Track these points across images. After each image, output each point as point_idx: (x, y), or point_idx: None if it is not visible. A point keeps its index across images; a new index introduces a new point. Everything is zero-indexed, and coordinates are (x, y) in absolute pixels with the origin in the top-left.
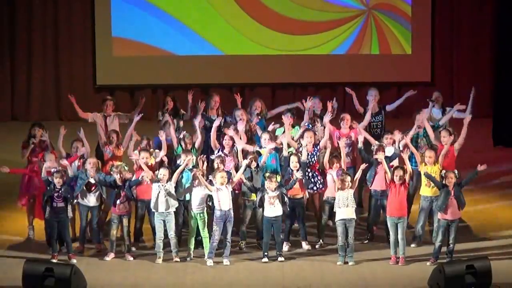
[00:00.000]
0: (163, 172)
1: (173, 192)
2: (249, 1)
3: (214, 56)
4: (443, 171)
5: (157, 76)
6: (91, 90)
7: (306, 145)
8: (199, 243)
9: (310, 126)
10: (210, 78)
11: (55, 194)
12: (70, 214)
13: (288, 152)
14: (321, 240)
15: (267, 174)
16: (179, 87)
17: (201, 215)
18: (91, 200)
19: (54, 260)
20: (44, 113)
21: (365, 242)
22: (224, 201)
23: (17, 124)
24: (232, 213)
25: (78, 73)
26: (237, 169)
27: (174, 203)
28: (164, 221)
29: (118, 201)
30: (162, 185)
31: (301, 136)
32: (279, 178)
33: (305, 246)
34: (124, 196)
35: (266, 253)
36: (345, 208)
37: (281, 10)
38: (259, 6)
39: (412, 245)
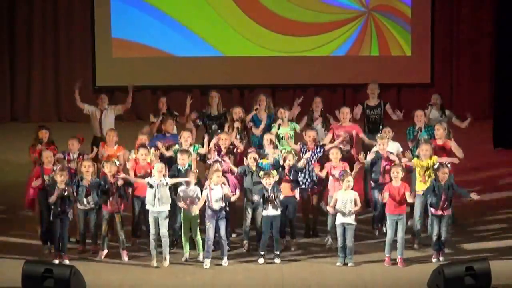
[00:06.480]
0: (159, 167)
1: (167, 189)
2: (249, 2)
3: (214, 57)
4: (436, 164)
5: (156, 77)
6: (90, 91)
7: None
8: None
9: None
10: (210, 80)
11: (63, 191)
12: (70, 216)
13: (283, 151)
14: (330, 239)
15: (261, 173)
16: (178, 89)
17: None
18: (87, 203)
19: (57, 261)
20: (43, 113)
21: (377, 234)
22: (216, 200)
23: (16, 125)
24: (224, 212)
25: (78, 74)
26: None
27: (168, 201)
28: (157, 218)
29: (110, 199)
30: (159, 181)
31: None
32: (275, 173)
33: (292, 245)
34: (116, 194)
35: (263, 253)
36: (344, 213)
37: (280, 12)
38: (259, 8)
39: (415, 246)
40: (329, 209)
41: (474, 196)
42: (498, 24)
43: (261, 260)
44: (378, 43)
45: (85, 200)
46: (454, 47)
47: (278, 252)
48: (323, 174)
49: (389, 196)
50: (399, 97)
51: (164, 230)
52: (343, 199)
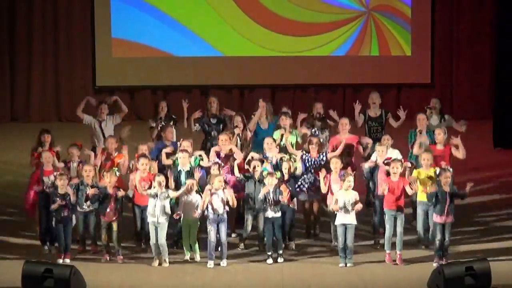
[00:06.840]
0: (159, 179)
1: (168, 201)
2: (249, 2)
3: (214, 57)
4: (437, 169)
5: (156, 77)
6: (90, 91)
7: (306, 153)
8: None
9: (317, 132)
10: (210, 80)
11: (62, 202)
12: (74, 221)
13: (282, 158)
14: (335, 242)
15: (264, 173)
16: (178, 89)
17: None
18: (87, 206)
19: (61, 261)
20: (43, 113)
21: (378, 247)
22: (218, 205)
23: (16, 125)
24: (226, 216)
25: (78, 74)
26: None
27: (168, 212)
28: (157, 228)
29: (108, 209)
30: (160, 193)
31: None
32: (279, 175)
33: (292, 245)
34: (114, 205)
35: (270, 253)
36: (345, 213)
37: (281, 12)
38: (259, 8)
39: (422, 247)
40: (333, 207)
41: (469, 186)
42: (497, 25)
43: (269, 261)
44: (378, 43)
45: (85, 204)
46: (454, 47)
47: (281, 252)
48: (324, 189)
49: (388, 191)
50: (399, 97)
51: (162, 240)
52: (344, 199)
